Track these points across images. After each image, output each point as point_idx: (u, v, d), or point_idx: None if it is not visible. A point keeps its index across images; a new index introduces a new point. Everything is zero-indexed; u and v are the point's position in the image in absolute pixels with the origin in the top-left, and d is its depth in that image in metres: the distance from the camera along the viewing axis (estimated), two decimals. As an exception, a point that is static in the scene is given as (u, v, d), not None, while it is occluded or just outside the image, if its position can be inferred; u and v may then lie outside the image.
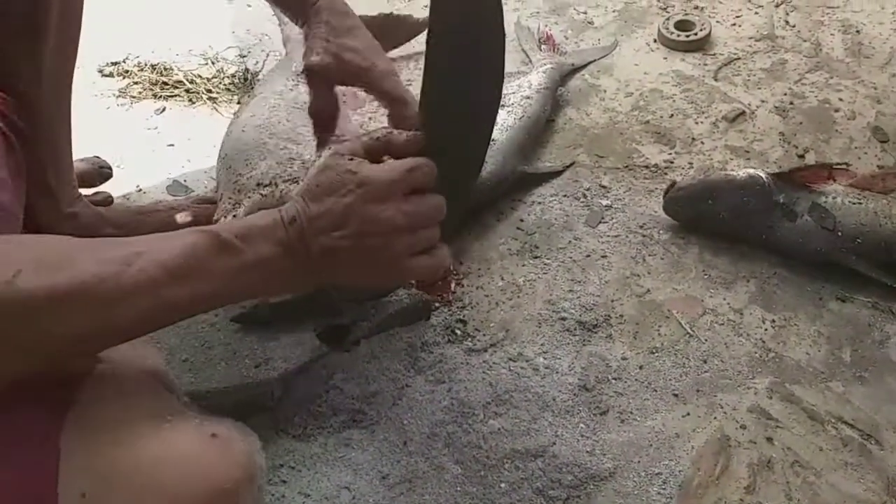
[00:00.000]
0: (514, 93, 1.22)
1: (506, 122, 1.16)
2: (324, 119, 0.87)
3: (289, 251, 0.64)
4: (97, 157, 1.16)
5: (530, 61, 1.34)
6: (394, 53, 1.33)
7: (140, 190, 1.18)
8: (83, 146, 1.10)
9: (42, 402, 0.56)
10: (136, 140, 1.27)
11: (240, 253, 0.61)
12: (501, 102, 1.18)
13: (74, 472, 0.53)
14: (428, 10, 0.70)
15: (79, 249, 0.57)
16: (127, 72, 1.38)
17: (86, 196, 1.03)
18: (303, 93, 1.03)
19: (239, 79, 1.35)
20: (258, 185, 0.94)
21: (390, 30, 1.32)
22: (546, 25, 1.41)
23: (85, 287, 0.54)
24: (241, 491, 0.57)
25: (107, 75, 1.38)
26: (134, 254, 0.57)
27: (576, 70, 1.34)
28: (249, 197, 0.95)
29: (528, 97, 1.21)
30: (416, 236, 0.69)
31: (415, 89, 1.32)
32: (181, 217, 1.00)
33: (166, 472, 0.55)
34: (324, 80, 0.84)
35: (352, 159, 0.68)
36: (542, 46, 1.35)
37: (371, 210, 0.66)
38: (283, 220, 0.65)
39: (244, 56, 1.41)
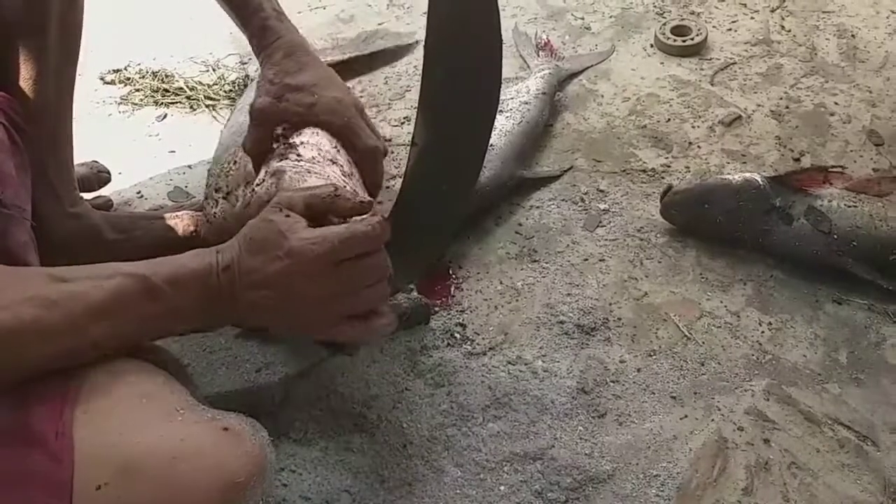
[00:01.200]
0: (512, 98, 1.23)
1: (504, 127, 1.17)
2: (259, 161, 0.85)
3: (216, 300, 0.65)
4: (95, 161, 1.17)
5: (528, 67, 1.35)
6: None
7: (141, 196, 1.19)
8: (85, 153, 1.12)
9: (54, 395, 0.57)
10: (138, 147, 1.28)
11: (166, 299, 0.62)
12: (500, 108, 1.19)
13: (89, 464, 0.54)
14: (426, 17, 0.71)
15: (5, 287, 0.58)
16: (128, 79, 1.39)
17: (86, 200, 1.04)
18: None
19: (239, 85, 1.36)
20: (217, 190, 0.94)
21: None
22: (544, 31, 1.42)
23: (7, 329, 0.55)
24: (253, 483, 0.59)
25: (108, 83, 1.39)
26: (65, 295, 0.58)
27: (573, 75, 1.35)
28: (216, 201, 0.95)
29: (526, 102, 1.22)
30: (354, 298, 0.69)
31: (413, 95, 1.34)
32: (182, 222, 1.01)
33: (179, 465, 0.56)
34: (263, 122, 0.83)
35: (288, 216, 0.67)
36: (540, 52, 1.36)
37: (295, 284, 0.66)
38: (216, 266, 0.65)
39: (245, 63, 1.41)
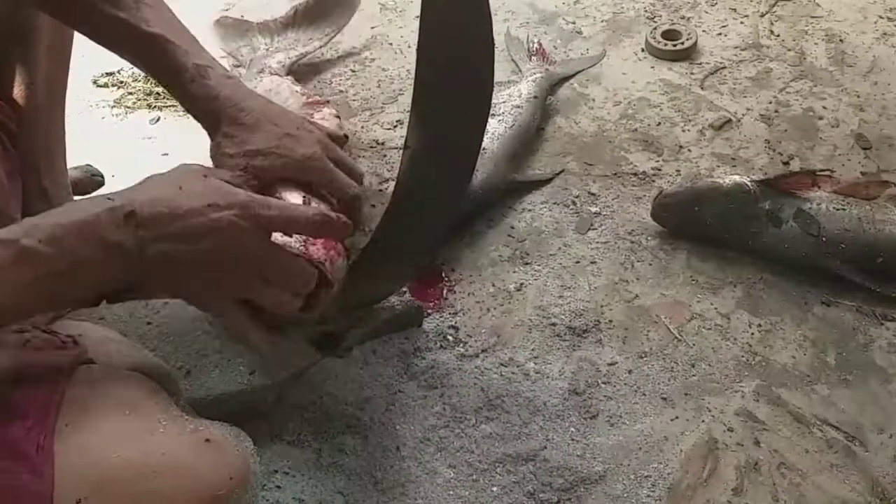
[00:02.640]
0: (504, 102, 1.24)
1: (496, 130, 1.18)
2: None
3: (114, 252, 0.56)
4: (89, 165, 1.17)
5: (520, 71, 1.35)
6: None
7: (134, 199, 1.19)
8: (78, 156, 1.11)
9: (36, 408, 0.56)
10: (131, 150, 1.27)
11: (44, 260, 0.53)
12: (492, 112, 1.20)
13: (69, 478, 0.54)
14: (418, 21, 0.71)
15: None
16: (121, 82, 1.39)
17: (80, 205, 1.04)
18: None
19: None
20: None
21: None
22: (535, 36, 1.43)
23: None
24: (235, 496, 0.58)
25: (101, 86, 1.39)
26: None
27: (565, 79, 1.36)
28: None
29: (518, 106, 1.23)
30: (262, 286, 0.63)
31: (406, 98, 1.34)
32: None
33: (160, 479, 0.56)
34: None
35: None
36: (532, 57, 1.37)
37: (235, 237, 0.60)
38: (111, 213, 0.56)
39: (238, 66, 1.42)
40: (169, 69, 0.74)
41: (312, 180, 0.78)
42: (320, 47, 1.36)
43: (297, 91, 1.15)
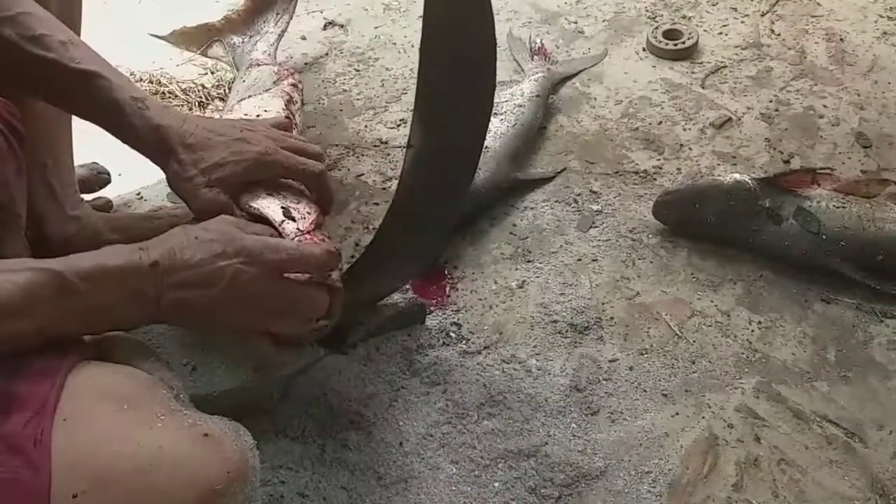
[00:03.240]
0: (506, 101, 1.24)
1: (499, 129, 1.19)
2: None
3: (137, 298, 0.64)
4: (95, 163, 1.17)
5: (522, 70, 1.36)
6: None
7: (141, 197, 1.20)
8: (84, 154, 1.12)
9: (34, 401, 0.56)
10: (137, 149, 1.28)
11: (80, 295, 0.60)
12: (495, 111, 1.21)
13: (66, 472, 0.54)
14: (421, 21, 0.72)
15: None
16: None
17: (87, 201, 1.05)
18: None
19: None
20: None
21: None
22: (538, 36, 1.43)
23: None
24: (232, 490, 0.58)
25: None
26: None
27: (566, 78, 1.37)
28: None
29: (520, 105, 1.23)
30: (280, 318, 0.70)
31: (409, 98, 1.35)
32: (181, 223, 1.01)
33: (158, 473, 0.56)
34: (224, 210, 0.77)
35: (238, 225, 0.69)
36: (534, 56, 1.38)
37: (243, 284, 0.66)
38: (139, 263, 0.63)
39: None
40: (106, 105, 0.75)
41: (276, 175, 0.79)
42: (290, 19, 1.35)
43: (273, 71, 1.16)
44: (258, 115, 1.00)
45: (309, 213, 0.79)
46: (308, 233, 0.77)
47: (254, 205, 0.77)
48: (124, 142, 0.78)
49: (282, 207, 0.78)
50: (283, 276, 0.70)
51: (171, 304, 0.65)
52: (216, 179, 0.75)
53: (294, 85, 1.12)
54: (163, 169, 0.77)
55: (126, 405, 0.59)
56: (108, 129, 0.77)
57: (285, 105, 1.05)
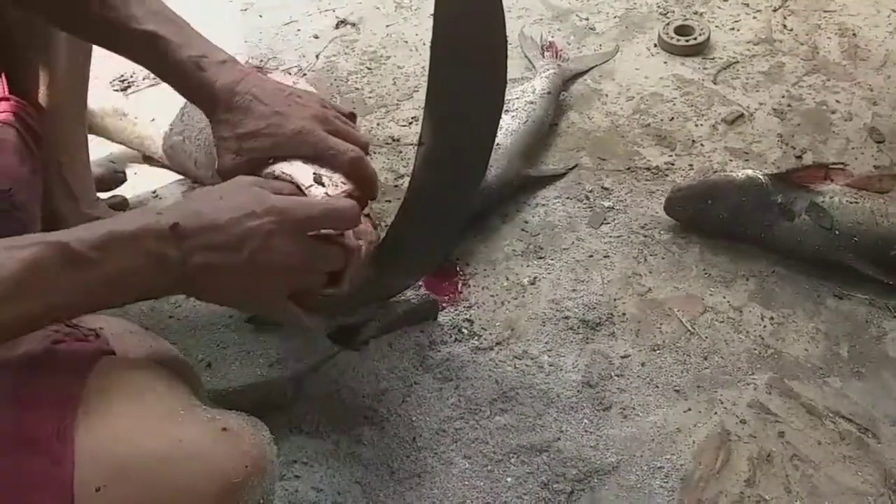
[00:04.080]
0: (518, 98, 1.25)
1: (510, 126, 1.19)
2: None
3: (159, 262, 0.60)
4: (112, 161, 1.19)
5: (534, 68, 1.36)
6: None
7: (156, 195, 1.21)
8: (100, 153, 1.14)
9: (55, 397, 0.57)
10: (151, 148, 1.30)
11: (94, 265, 0.57)
12: (506, 108, 1.21)
13: (88, 466, 0.55)
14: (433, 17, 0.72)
15: None
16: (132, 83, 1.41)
17: (102, 200, 1.06)
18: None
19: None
20: None
21: None
22: (549, 32, 1.44)
23: None
24: (250, 484, 0.59)
25: (116, 90, 1.41)
26: None
27: (578, 75, 1.37)
28: None
29: (531, 102, 1.24)
30: (307, 276, 0.68)
31: (421, 95, 1.35)
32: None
33: (177, 467, 0.57)
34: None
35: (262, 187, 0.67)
36: (545, 53, 1.38)
37: (272, 243, 0.63)
38: (158, 225, 0.60)
39: (258, 66, 1.44)
40: (165, 66, 0.76)
41: (306, 152, 0.77)
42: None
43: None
44: None
45: (343, 184, 0.77)
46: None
47: (286, 171, 0.76)
48: (185, 98, 0.80)
49: (313, 173, 0.76)
50: (310, 233, 0.68)
51: (198, 268, 0.61)
52: (247, 149, 0.75)
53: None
54: (210, 125, 0.79)
55: (147, 400, 0.60)
56: (172, 87, 0.79)
57: None
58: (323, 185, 0.75)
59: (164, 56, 0.75)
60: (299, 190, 0.74)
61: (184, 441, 0.58)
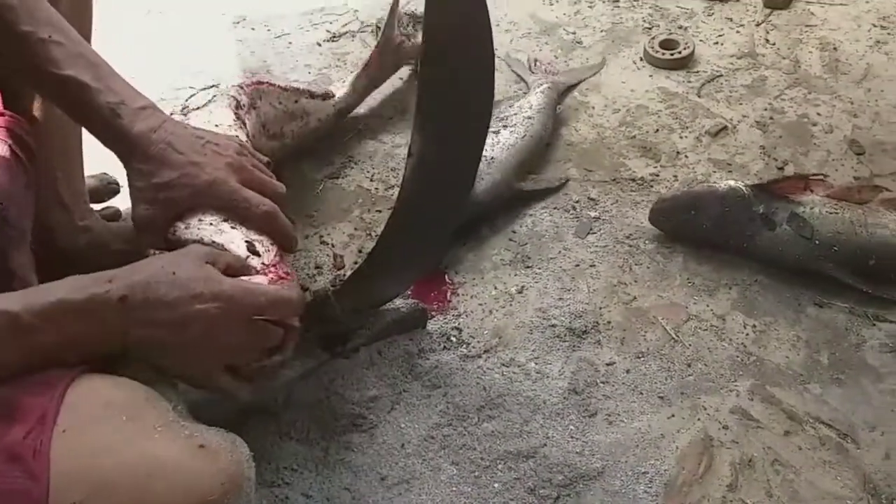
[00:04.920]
0: (516, 114, 1.26)
1: (507, 141, 1.20)
2: None
3: (101, 333, 0.63)
4: (105, 173, 1.20)
5: (524, 82, 1.39)
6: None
7: (147, 206, 1.22)
8: (94, 165, 1.14)
9: (34, 413, 0.57)
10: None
11: (36, 333, 0.60)
12: (504, 123, 1.23)
13: (65, 482, 0.55)
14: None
15: None
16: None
17: (96, 211, 1.07)
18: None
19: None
20: None
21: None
22: (538, 47, 1.46)
23: None
24: (227, 501, 0.59)
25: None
26: None
27: (570, 88, 1.39)
28: None
29: (529, 117, 1.25)
30: (240, 356, 0.70)
31: (411, 107, 1.36)
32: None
33: (154, 484, 0.57)
34: (151, 230, 0.78)
35: (213, 262, 0.68)
36: (533, 67, 1.41)
37: (217, 328, 0.66)
38: (106, 297, 0.62)
39: (250, 77, 1.45)
40: (83, 111, 0.76)
41: (220, 203, 0.77)
42: None
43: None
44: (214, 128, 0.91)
45: (272, 246, 0.78)
46: (274, 265, 0.76)
47: (218, 241, 0.75)
48: (104, 145, 0.78)
49: (245, 241, 0.76)
50: (254, 318, 0.69)
51: (138, 340, 0.64)
52: (161, 199, 0.75)
53: (240, 87, 1.07)
54: (126, 173, 0.78)
55: (124, 417, 0.60)
56: (91, 133, 0.78)
57: (234, 111, 1.00)
58: (258, 253, 0.76)
59: (81, 102, 0.74)
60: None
61: (160, 458, 0.58)
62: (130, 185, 0.77)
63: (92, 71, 0.75)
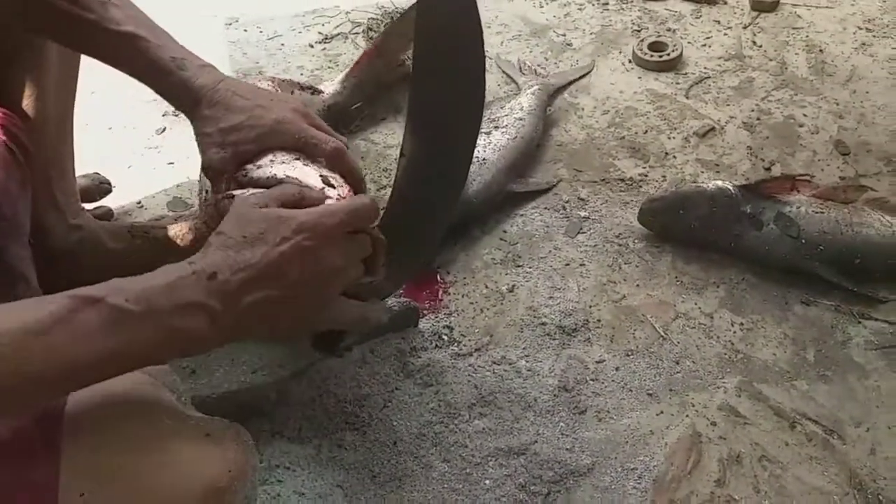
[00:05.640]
0: (507, 115, 1.27)
1: (499, 142, 1.21)
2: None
3: (201, 312, 0.57)
4: (97, 173, 1.20)
5: (515, 83, 1.40)
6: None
7: (141, 206, 1.22)
8: (86, 165, 1.15)
9: (44, 405, 0.57)
10: (138, 159, 1.31)
11: (133, 322, 0.53)
12: (496, 124, 1.24)
13: (74, 472, 0.55)
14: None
15: None
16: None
17: (88, 210, 1.07)
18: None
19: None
20: (204, 191, 0.91)
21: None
22: (528, 49, 1.47)
23: None
24: (234, 488, 0.60)
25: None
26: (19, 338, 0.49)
27: (560, 89, 1.40)
28: (205, 199, 0.94)
29: (520, 119, 1.26)
30: (347, 276, 0.67)
31: (403, 107, 1.37)
32: (181, 231, 1.04)
33: (162, 472, 0.57)
34: (219, 175, 0.78)
35: (266, 206, 0.65)
36: (523, 69, 1.42)
37: (312, 258, 0.62)
38: (196, 276, 0.57)
39: (241, 78, 1.45)
40: (144, 64, 0.76)
41: (287, 142, 0.77)
42: None
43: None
44: None
45: (344, 182, 0.77)
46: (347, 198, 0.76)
47: (292, 175, 0.75)
48: (165, 99, 0.80)
49: (320, 175, 0.76)
50: (343, 235, 0.67)
51: (249, 309, 0.59)
52: (231, 141, 0.76)
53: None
54: (192, 124, 0.79)
55: (131, 408, 0.61)
56: (150, 86, 0.79)
57: None
58: (333, 186, 0.76)
59: (143, 55, 0.76)
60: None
61: (168, 447, 0.59)
62: (198, 134, 0.77)
63: (152, 31, 0.77)
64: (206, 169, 0.78)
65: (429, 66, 0.75)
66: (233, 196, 0.72)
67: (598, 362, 1.01)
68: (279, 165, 0.76)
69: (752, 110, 1.36)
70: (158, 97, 0.79)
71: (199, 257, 0.60)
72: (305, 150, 0.78)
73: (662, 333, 1.04)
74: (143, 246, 1.02)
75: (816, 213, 1.09)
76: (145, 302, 0.54)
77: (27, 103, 0.89)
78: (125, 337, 0.53)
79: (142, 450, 0.58)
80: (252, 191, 0.73)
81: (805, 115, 1.34)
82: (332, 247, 0.65)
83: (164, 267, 0.58)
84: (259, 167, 0.76)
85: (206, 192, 0.94)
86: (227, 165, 0.76)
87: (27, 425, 0.56)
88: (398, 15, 1.37)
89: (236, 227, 0.62)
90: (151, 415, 0.61)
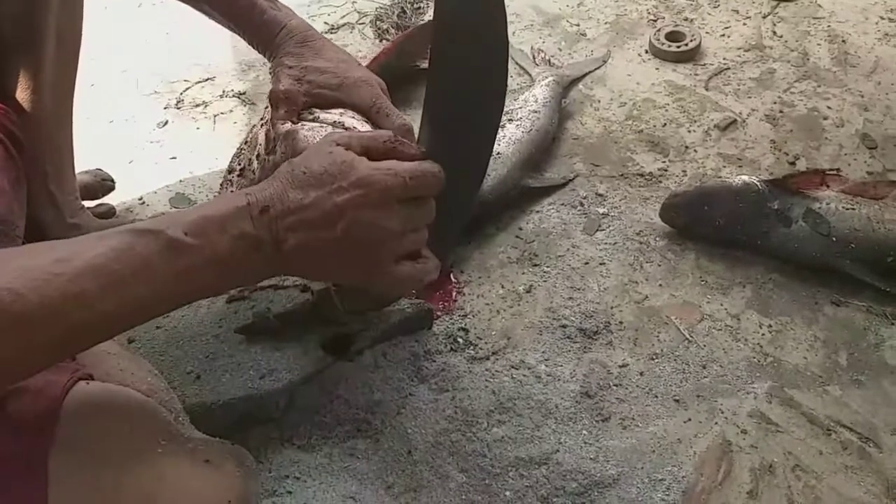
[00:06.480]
0: (521, 107, 1.23)
1: (514, 135, 1.17)
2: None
3: (254, 245, 0.57)
4: (100, 169, 1.17)
5: (529, 75, 1.35)
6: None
7: (143, 203, 1.18)
8: (87, 160, 1.11)
9: (29, 423, 0.55)
10: (140, 153, 1.27)
11: (190, 251, 0.54)
12: (510, 117, 1.20)
13: (63, 499, 0.53)
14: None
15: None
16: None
17: (88, 208, 1.04)
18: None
19: (239, 94, 1.36)
20: (230, 171, 0.90)
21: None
22: (541, 39, 1.42)
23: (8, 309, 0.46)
24: None
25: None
26: (58, 260, 0.49)
27: (575, 81, 1.36)
28: (231, 181, 0.90)
29: (535, 111, 1.22)
30: (404, 240, 0.64)
31: (412, 99, 1.33)
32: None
33: (158, 500, 0.55)
34: (288, 105, 0.78)
35: (347, 149, 0.62)
36: (537, 59, 1.37)
37: (364, 217, 0.60)
38: (249, 207, 0.58)
39: (245, 71, 1.41)
40: (239, 6, 0.81)
41: (363, 101, 0.79)
42: None
43: None
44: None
45: None
46: None
47: (356, 126, 0.76)
48: (252, 38, 0.84)
49: (360, 123, 0.77)
50: (405, 200, 0.63)
51: (293, 249, 0.58)
52: (310, 79, 0.78)
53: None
54: (269, 55, 0.82)
55: (126, 430, 0.58)
56: (235, 24, 0.83)
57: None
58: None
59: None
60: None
61: (165, 474, 0.56)
62: (278, 66, 0.80)
63: None
64: (275, 93, 0.78)
65: (447, 56, 0.71)
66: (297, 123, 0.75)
67: (621, 366, 0.97)
68: (349, 118, 0.77)
69: (775, 102, 1.31)
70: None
71: (260, 189, 0.59)
72: (376, 118, 0.79)
73: (688, 336, 1.00)
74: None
75: (847, 209, 1.05)
76: (202, 233, 0.55)
77: (23, 97, 0.87)
78: (184, 268, 0.54)
79: (138, 479, 0.56)
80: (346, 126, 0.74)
81: (829, 108, 1.30)
82: (388, 209, 0.61)
83: (223, 195, 0.64)
84: (329, 113, 0.78)
85: (229, 173, 0.90)
86: (297, 98, 0.78)
87: (13, 446, 0.54)
88: (407, 5, 1.32)
89: (305, 160, 0.61)
90: (148, 438, 0.59)
